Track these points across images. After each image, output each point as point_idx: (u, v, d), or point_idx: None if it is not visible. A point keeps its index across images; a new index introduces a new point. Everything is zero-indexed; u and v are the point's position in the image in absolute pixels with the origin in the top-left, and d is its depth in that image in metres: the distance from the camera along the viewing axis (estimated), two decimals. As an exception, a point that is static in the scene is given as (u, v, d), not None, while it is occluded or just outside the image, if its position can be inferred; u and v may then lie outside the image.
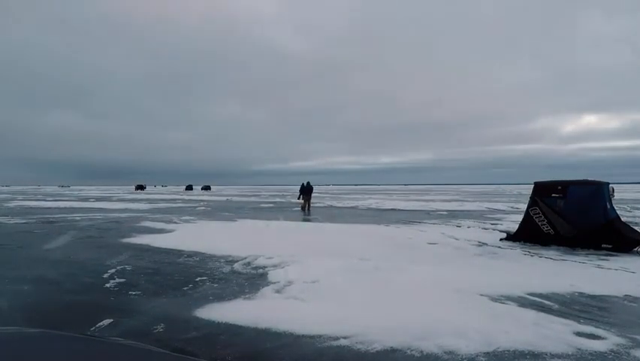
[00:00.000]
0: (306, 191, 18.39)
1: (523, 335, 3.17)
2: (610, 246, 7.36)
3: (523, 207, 8.99)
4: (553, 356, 2.84)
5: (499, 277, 5.16)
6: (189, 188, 74.11)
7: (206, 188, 73.38)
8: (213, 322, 3.54)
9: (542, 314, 3.72)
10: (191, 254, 6.87)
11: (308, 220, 14.07)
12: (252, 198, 33.76)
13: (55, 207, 21.00)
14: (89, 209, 19.65)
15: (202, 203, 25.94)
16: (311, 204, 18.94)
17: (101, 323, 3.47)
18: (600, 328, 3.41)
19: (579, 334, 3.26)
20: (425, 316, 3.59)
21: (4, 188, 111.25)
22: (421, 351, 2.92)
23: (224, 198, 34.01)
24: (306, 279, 4.82)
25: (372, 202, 26.12)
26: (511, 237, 8.69)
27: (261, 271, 5.53)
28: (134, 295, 4.42)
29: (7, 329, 1.24)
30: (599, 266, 6.17)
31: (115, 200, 30.91)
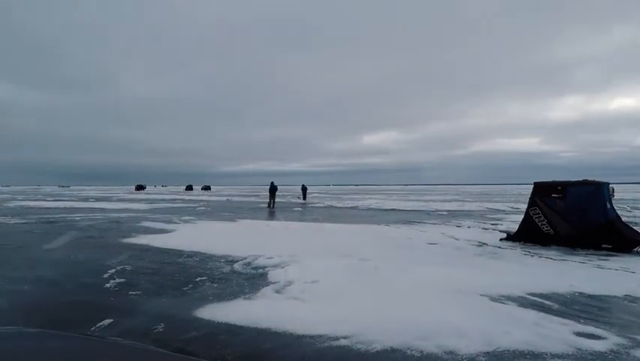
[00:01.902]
0: (272, 190, 22.23)
1: (524, 335, 3.17)
2: (610, 246, 7.36)
3: (523, 207, 8.99)
4: (553, 356, 2.84)
5: (499, 278, 5.16)
6: (189, 188, 74.17)
7: (206, 188, 73.48)
8: (213, 322, 3.54)
9: (542, 314, 3.72)
10: (191, 254, 6.87)
11: (308, 220, 14.07)
12: (252, 199, 33.77)
13: (55, 208, 20.99)
14: (88, 209, 19.64)
15: (202, 203, 25.95)
16: (275, 202, 22.34)
17: (101, 323, 3.47)
18: (600, 328, 3.41)
19: (579, 334, 3.26)
20: (425, 316, 3.59)
21: (4, 188, 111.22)
22: (421, 351, 2.92)
23: (224, 199, 34.01)
24: (306, 279, 4.82)
25: (373, 202, 26.13)
26: (511, 237, 8.69)
27: (261, 271, 5.53)
28: (134, 295, 4.42)
29: (7, 329, 1.24)
30: (599, 266, 6.17)
31: (115, 200, 30.91)
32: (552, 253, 7.29)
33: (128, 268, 5.81)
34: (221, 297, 4.30)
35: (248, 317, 3.62)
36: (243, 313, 3.74)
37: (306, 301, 4.11)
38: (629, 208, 18.31)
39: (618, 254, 7.06)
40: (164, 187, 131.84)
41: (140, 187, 72.22)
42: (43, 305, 4.09)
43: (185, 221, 13.12)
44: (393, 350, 2.95)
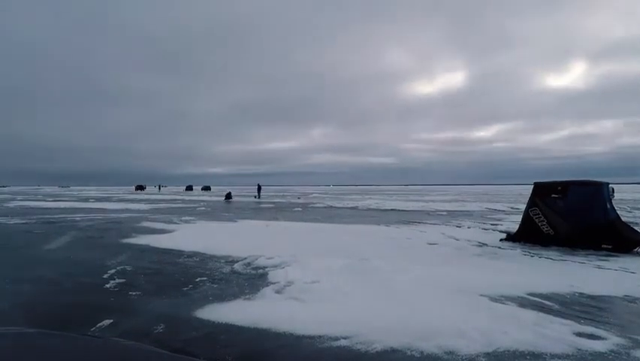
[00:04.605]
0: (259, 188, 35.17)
1: (524, 335, 3.17)
2: (610, 246, 7.36)
3: (523, 207, 8.99)
4: (553, 356, 2.84)
5: (499, 278, 5.16)
6: (189, 188, 74.21)
7: (206, 188, 73.48)
8: (213, 322, 3.54)
9: (542, 314, 3.72)
10: (191, 254, 6.87)
11: (308, 220, 14.07)
12: (252, 199, 33.77)
13: (56, 208, 21.00)
14: (89, 209, 19.65)
15: (202, 203, 25.95)
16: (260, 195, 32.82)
17: (101, 323, 3.47)
18: (600, 328, 3.41)
19: (579, 334, 3.25)
20: (425, 316, 3.59)
21: (4, 188, 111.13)
22: (422, 351, 2.92)
23: (224, 199, 34.02)
24: (307, 279, 4.82)
25: (372, 203, 26.13)
26: (511, 237, 8.69)
27: (261, 271, 5.53)
28: (134, 295, 4.42)
29: (7, 329, 1.24)
30: (599, 266, 6.17)
31: (115, 200, 30.92)
32: (552, 253, 7.29)
33: (128, 268, 5.81)
34: (221, 297, 4.30)
35: (248, 317, 3.62)
36: (243, 313, 3.74)
37: (306, 301, 4.11)
38: (629, 208, 18.30)
39: (618, 254, 7.06)
40: (164, 187, 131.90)
41: (140, 187, 72.35)
42: (44, 305, 4.09)
43: (186, 221, 13.12)
44: (393, 351, 2.95)
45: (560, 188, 8.06)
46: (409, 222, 12.97)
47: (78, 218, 14.53)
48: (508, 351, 2.91)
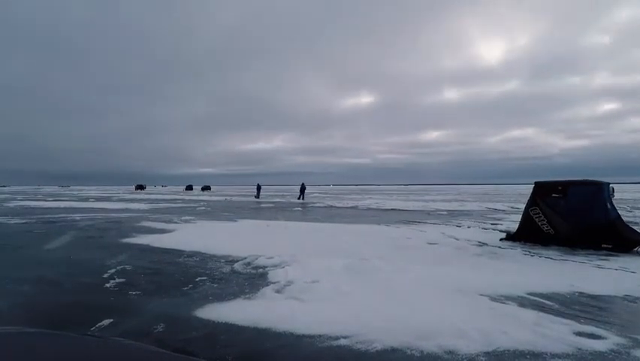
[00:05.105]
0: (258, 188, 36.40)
1: (524, 334, 3.17)
2: (610, 246, 7.36)
3: (523, 207, 8.98)
4: (553, 356, 2.84)
5: (499, 277, 5.16)
6: (189, 188, 74.24)
7: (206, 188, 73.51)
8: (213, 322, 3.54)
9: (542, 314, 3.72)
10: (192, 254, 6.87)
11: (308, 220, 14.07)
12: (251, 199, 33.76)
13: (56, 207, 20.99)
14: (89, 209, 19.64)
15: (202, 203, 25.95)
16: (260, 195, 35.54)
17: (101, 323, 3.47)
18: (600, 328, 3.41)
19: (579, 334, 3.25)
20: (425, 316, 3.59)
21: (4, 188, 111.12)
22: (422, 351, 2.92)
23: (223, 198, 34.03)
24: (307, 279, 4.82)
25: (372, 202, 26.12)
26: (511, 237, 8.69)
27: (261, 271, 5.53)
28: (134, 295, 4.42)
29: (7, 329, 1.24)
30: (599, 266, 6.17)
31: (115, 200, 30.92)
32: (552, 252, 7.29)
33: (128, 267, 5.81)
34: (221, 297, 4.30)
35: (248, 316, 3.62)
36: (243, 313, 3.74)
37: (306, 301, 4.11)
38: (629, 208, 18.29)
39: (618, 254, 7.06)
40: (164, 187, 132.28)
41: (140, 187, 72.44)
42: (44, 305, 4.08)
43: (186, 221, 13.12)
44: (393, 350, 2.95)
45: (560, 188, 8.05)
46: (408, 222, 12.97)
47: (78, 218, 14.53)
48: (508, 351, 2.91)
